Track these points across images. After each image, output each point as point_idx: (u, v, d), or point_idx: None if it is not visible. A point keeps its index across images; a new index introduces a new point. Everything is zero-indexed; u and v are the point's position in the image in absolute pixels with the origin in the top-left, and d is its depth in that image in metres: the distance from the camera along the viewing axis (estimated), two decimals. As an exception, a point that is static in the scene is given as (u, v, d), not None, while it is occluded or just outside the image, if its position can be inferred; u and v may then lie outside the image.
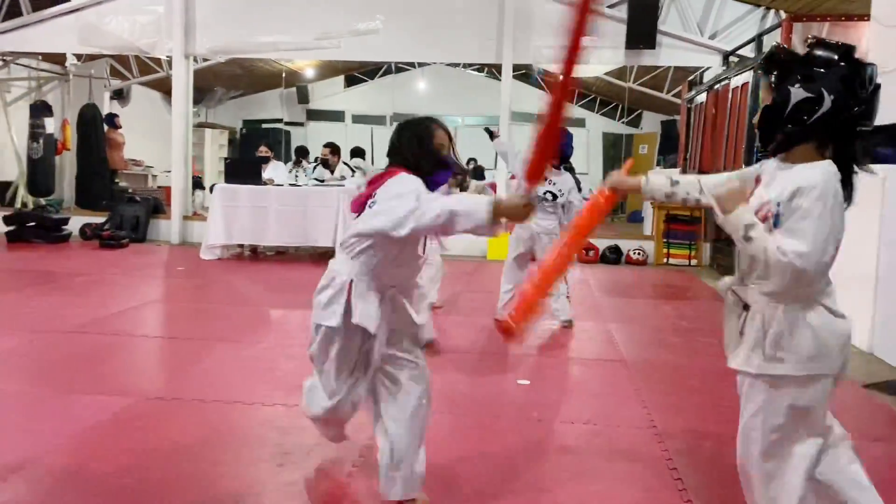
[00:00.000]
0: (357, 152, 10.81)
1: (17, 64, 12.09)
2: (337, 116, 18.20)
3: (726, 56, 9.72)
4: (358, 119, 17.92)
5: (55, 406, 3.27)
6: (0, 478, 2.45)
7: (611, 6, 9.71)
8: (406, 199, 2.08)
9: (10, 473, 2.51)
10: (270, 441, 2.96)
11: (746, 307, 1.95)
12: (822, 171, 1.77)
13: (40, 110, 11.50)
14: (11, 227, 9.40)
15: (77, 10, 9.98)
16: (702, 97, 10.40)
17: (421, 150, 2.29)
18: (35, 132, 11.42)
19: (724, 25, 10.41)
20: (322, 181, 9.20)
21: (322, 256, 8.74)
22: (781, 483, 1.90)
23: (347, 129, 17.76)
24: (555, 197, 5.18)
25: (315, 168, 9.72)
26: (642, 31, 9.37)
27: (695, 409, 3.60)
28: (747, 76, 8.36)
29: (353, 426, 3.13)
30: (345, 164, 9.66)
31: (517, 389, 3.81)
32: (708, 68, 10.34)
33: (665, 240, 9.58)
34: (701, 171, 10.08)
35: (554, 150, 2.20)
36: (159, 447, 2.83)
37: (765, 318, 1.88)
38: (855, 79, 1.77)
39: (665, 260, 9.51)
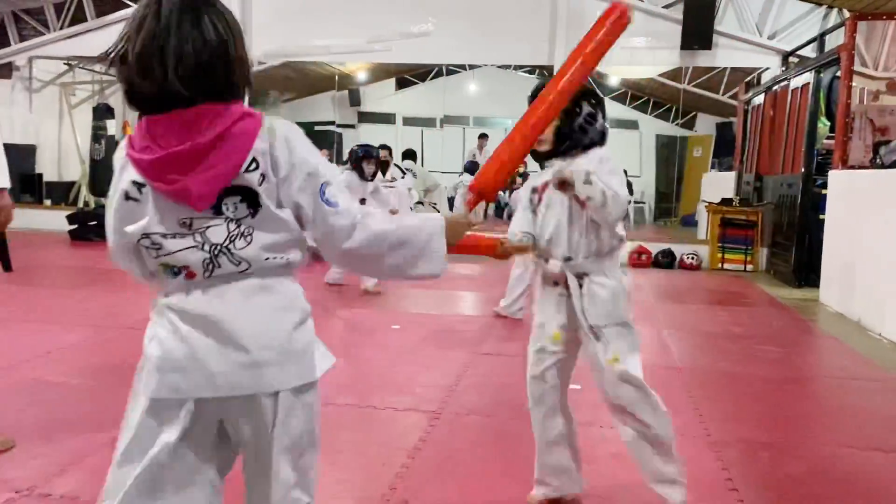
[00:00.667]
0: (409, 154, 10.87)
1: (82, 68, 12.52)
2: (388, 119, 18.33)
3: (786, 56, 9.47)
4: (408, 121, 18.02)
5: (115, 399, 3.35)
6: (60, 470, 2.53)
7: (666, 6, 9.57)
8: None
9: (70, 465, 2.59)
10: (321, 439, 2.98)
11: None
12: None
13: (103, 113, 11.88)
14: (74, 226, 9.74)
15: (138, 15, 10.27)
16: (760, 98, 10.15)
17: None
18: (97, 134, 11.80)
19: (783, 25, 10.15)
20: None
21: (372, 257, 8.82)
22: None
23: (398, 131, 17.87)
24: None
25: (367, 170, 9.78)
26: (698, 32, 9.20)
27: (751, 419, 3.50)
28: (808, 77, 8.14)
29: (400, 428, 3.15)
30: (396, 165, 9.71)
31: (568, 393, 3.76)
32: (766, 69, 10.10)
33: (720, 244, 9.36)
34: (758, 175, 9.85)
35: (518, 163, 2.10)
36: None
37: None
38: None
39: (720, 265, 9.30)
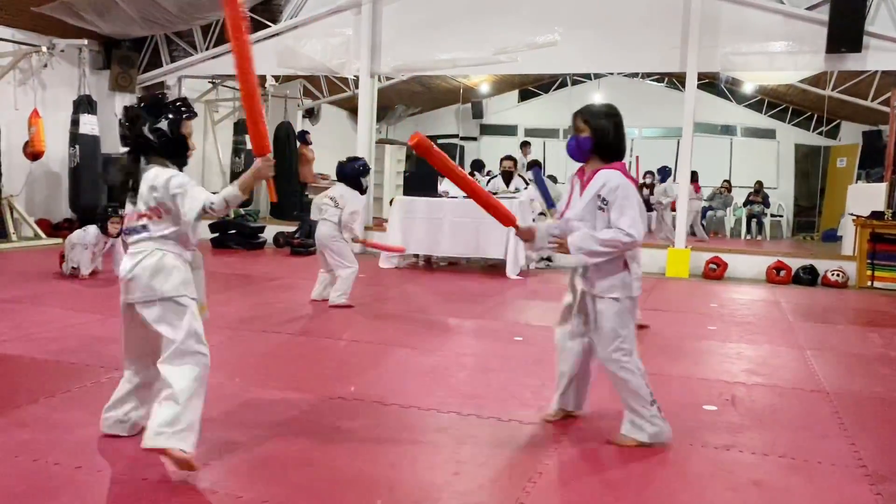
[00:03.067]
0: (533, 164, 10.78)
1: (224, 86, 13.33)
2: (510, 131, 18.33)
3: (947, 57, 8.65)
4: (530, 133, 17.92)
5: (250, 399, 3.50)
6: (202, 463, 2.64)
7: (810, 7, 8.98)
8: None
9: (212, 459, 2.71)
10: (445, 448, 2.97)
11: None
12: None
13: (242, 128, 12.59)
14: (215, 234, 10.34)
15: (277, 34, 10.81)
16: (916, 103, 9.33)
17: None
18: (237, 148, 12.53)
19: (945, 23, 9.27)
20: (495, 193, 9.26)
21: (492, 268, 8.80)
22: None
23: (520, 143, 17.83)
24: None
25: (490, 181, 9.81)
26: (846, 34, 8.56)
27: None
28: (975, 78, 7.39)
29: (525, 443, 3.08)
30: (520, 176, 9.68)
31: (703, 415, 3.56)
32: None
33: (869, 261, 8.65)
34: (914, 186, 9.03)
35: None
36: (341, 446, 2.93)
37: None
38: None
39: (869, 283, 8.59)
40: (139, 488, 2.46)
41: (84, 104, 10.44)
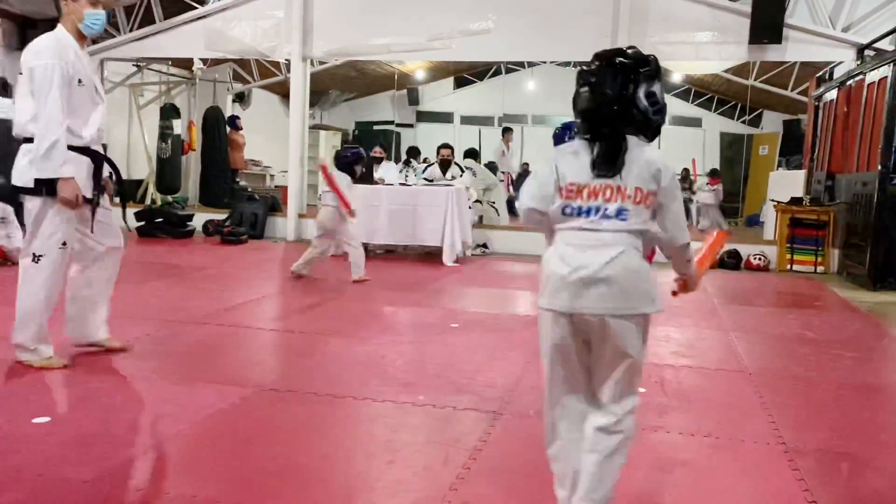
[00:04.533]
0: (470, 153, 10.82)
1: (150, 69, 12.89)
2: (446, 118, 18.36)
3: (861, 50, 9.06)
4: (466, 120, 18.00)
5: (177, 393, 3.40)
6: (126, 462, 2.56)
7: (734, -1, 9.27)
8: None
9: (136, 458, 2.62)
10: (380, 437, 2.96)
11: None
12: None
13: (169, 113, 12.21)
14: (142, 223, 10.01)
15: (204, 16, 10.50)
16: (832, 94, 9.75)
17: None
18: (164, 133, 12.14)
19: (858, 17, 9.70)
20: (431, 181, 9.26)
21: (429, 255, 8.80)
22: None
23: (456, 130, 17.87)
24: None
25: (426, 168, 9.80)
26: (768, 25, 8.87)
27: (828, 426, 3.33)
28: (885, 70, 7.77)
29: (460, 428, 3.10)
30: (456, 164, 9.69)
31: (631, 397, 3.65)
32: (839, 63, 9.69)
33: (789, 245, 9.03)
34: (829, 173, 9.46)
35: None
36: (274, 438, 2.89)
37: None
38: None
39: (788, 266, 8.96)
40: (60, 488, 2.37)
41: (-3, 87, 9.91)
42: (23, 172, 3.55)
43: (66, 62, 3.50)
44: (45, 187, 3.49)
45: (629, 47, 2.12)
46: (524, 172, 14.97)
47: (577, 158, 2.07)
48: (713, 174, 14.61)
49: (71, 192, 3.49)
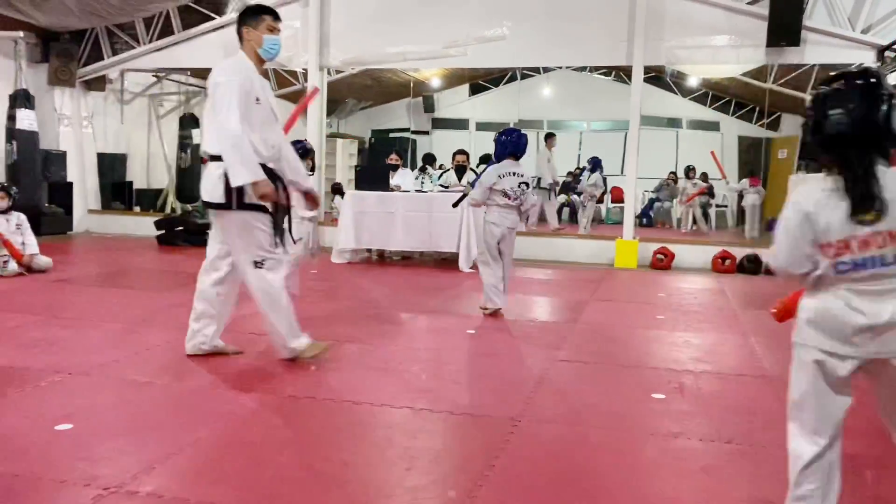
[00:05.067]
0: (486, 159, 10.81)
1: (169, 79, 13.03)
2: (461, 124, 18.37)
3: (881, 51, 8.96)
4: (482, 126, 17.99)
5: (198, 400, 3.43)
6: (147, 468, 2.58)
7: (751, 2, 9.21)
8: None
9: (156, 464, 2.64)
10: (398, 444, 2.96)
11: None
12: None
13: (188, 122, 12.34)
14: (162, 231, 10.11)
15: (222, 27, 10.59)
16: (852, 96, 9.64)
17: None
18: (183, 143, 12.27)
19: (878, 18, 9.61)
20: (446, 187, 9.27)
21: (445, 262, 8.80)
22: None
23: (471, 136, 17.88)
24: (527, 185, 5.54)
25: (441, 175, 9.81)
26: (786, 28, 8.81)
27: (852, 433, 3.27)
28: (907, 72, 7.68)
29: (478, 435, 3.09)
30: (472, 170, 9.69)
31: (653, 403, 3.63)
32: (860, 65, 9.59)
33: (809, 249, 8.91)
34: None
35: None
36: (292, 444, 2.90)
37: None
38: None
39: (809, 271, 8.85)
40: (81, 495, 2.39)
41: (21, 99, 10.10)
42: (213, 189, 3.72)
43: (246, 79, 3.73)
44: (237, 199, 3.69)
45: (861, 66, 2.07)
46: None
47: (831, 200, 1.93)
48: (753, 174, 14.56)
49: (267, 186, 3.68)
